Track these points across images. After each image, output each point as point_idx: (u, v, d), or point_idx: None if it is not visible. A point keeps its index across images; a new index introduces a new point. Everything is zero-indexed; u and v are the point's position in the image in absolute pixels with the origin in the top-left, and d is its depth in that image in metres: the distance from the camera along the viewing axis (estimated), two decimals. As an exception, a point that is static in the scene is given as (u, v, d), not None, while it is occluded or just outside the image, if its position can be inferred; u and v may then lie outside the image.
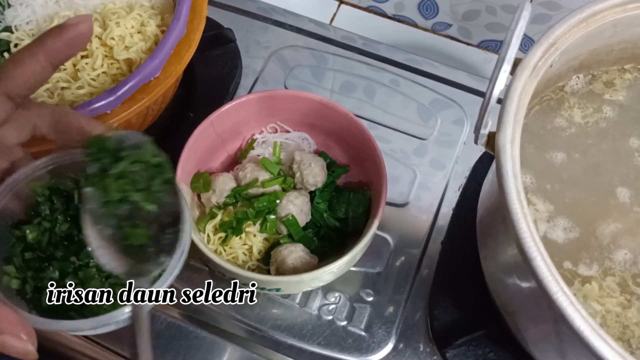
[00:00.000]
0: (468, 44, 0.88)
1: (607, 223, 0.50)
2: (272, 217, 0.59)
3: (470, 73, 0.80)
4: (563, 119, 0.54)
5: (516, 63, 0.45)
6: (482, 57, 0.87)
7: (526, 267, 0.40)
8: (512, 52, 0.40)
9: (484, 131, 0.44)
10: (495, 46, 0.87)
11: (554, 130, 0.54)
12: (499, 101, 0.44)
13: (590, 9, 0.48)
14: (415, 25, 0.89)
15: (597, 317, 0.47)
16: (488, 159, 0.70)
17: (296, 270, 0.56)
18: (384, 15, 0.90)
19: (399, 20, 0.90)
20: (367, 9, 0.90)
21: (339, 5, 0.91)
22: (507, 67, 0.40)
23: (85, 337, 0.62)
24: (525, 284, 0.48)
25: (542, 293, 0.39)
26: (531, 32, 0.81)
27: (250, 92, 0.76)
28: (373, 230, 0.56)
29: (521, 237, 0.40)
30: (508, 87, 0.44)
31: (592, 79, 0.56)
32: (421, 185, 0.70)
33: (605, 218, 0.50)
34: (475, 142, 0.45)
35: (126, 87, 0.52)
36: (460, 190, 0.69)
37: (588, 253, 0.49)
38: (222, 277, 0.60)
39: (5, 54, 0.59)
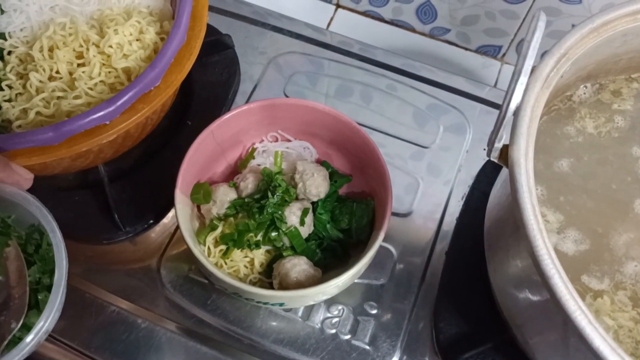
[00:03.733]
0: (466, 49, 0.87)
1: (619, 234, 0.49)
2: (275, 234, 0.58)
3: (468, 78, 0.79)
4: (574, 128, 0.53)
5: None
6: (480, 62, 0.86)
7: (542, 284, 0.39)
8: (529, 63, 0.39)
9: (498, 145, 0.43)
10: (494, 51, 0.86)
11: (564, 139, 0.53)
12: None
13: (601, 18, 0.47)
14: (413, 30, 0.88)
15: (609, 333, 0.46)
16: (491, 167, 0.69)
17: (300, 284, 0.55)
18: (381, 19, 0.89)
19: (396, 25, 0.89)
20: (365, 14, 0.89)
21: (335, 10, 0.90)
22: (523, 80, 0.39)
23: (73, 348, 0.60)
24: (537, 298, 0.47)
25: (558, 311, 0.39)
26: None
27: (249, 98, 0.75)
28: (378, 242, 0.54)
29: (538, 254, 0.39)
30: (521, 99, 0.43)
31: (599, 88, 0.56)
32: (424, 194, 0.69)
33: (615, 229, 0.50)
34: (488, 155, 0.44)
35: (125, 97, 0.51)
36: (464, 199, 0.69)
37: (598, 266, 0.49)
38: (223, 291, 0.58)
39: (-1, 62, 0.57)
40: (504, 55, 0.86)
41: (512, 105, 0.40)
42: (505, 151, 0.44)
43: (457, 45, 0.88)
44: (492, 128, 0.69)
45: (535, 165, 0.51)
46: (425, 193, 0.69)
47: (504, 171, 0.56)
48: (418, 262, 0.65)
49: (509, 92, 0.40)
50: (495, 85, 0.83)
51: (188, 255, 0.64)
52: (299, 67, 0.78)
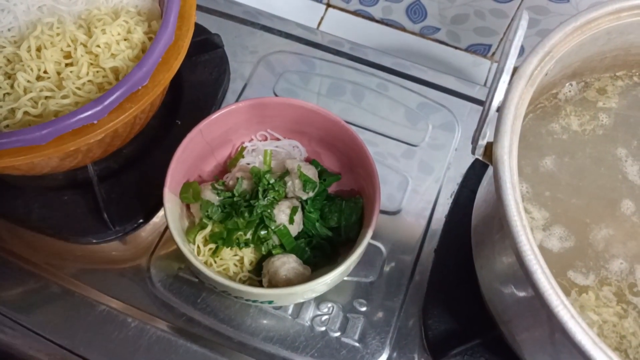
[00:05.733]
0: (456, 47, 0.88)
1: (604, 231, 0.50)
2: (264, 232, 0.58)
3: (458, 77, 0.79)
4: (559, 126, 0.53)
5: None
6: (470, 61, 0.87)
7: (526, 279, 0.40)
8: (511, 62, 0.39)
9: (482, 142, 0.43)
10: (484, 50, 0.86)
11: (549, 137, 0.53)
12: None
13: (584, 17, 0.48)
14: (403, 29, 0.89)
15: (594, 328, 0.46)
16: (480, 165, 0.69)
17: (289, 282, 0.55)
18: (371, 19, 0.89)
19: (386, 24, 0.89)
20: (355, 13, 0.90)
21: (326, 9, 0.90)
22: (506, 78, 0.40)
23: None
24: (522, 294, 0.47)
25: (541, 306, 0.39)
26: (519, 37, 0.81)
27: (238, 98, 0.75)
28: (367, 240, 0.55)
29: (521, 249, 0.39)
30: (505, 97, 0.43)
31: (584, 86, 0.56)
32: (413, 192, 0.69)
33: (600, 226, 0.50)
34: (473, 153, 0.44)
35: (113, 97, 0.51)
36: (453, 197, 0.69)
37: (584, 262, 0.49)
38: (212, 289, 0.59)
39: (-14, 62, 0.57)
40: (493, 54, 0.86)
41: (495, 103, 0.41)
42: (489, 148, 0.44)
43: (447, 44, 0.88)
44: (480, 126, 0.69)
45: (520, 163, 0.51)
46: (415, 191, 0.70)
47: (491, 169, 0.56)
48: (407, 260, 0.65)
49: (491, 90, 0.40)
50: (485, 84, 0.84)
51: (178, 254, 0.64)
52: (290, 66, 0.78)
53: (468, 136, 0.74)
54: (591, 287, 0.48)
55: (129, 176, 0.67)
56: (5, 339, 0.61)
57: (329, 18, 0.89)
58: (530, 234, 0.40)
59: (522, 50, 0.80)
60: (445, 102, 0.76)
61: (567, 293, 0.47)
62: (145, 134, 0.65)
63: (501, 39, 0.83)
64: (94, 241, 0.65)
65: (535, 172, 0.52)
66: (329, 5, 0.90)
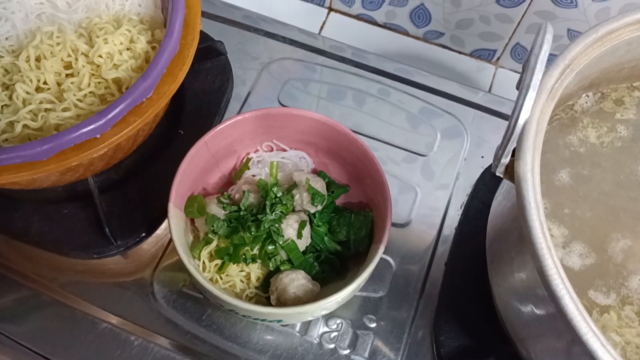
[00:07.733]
0: (460, 52, 0.86)
1: (619, 242, 0.48)
2: (271, 247, 0.56)
3: (462, 83, 0.78)
4: (576, 138, 0.52)
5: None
6: (474, 66, 0.85)
7: (553, 304, 0.38)
8: (537, 77, 0.38)
9: (505, 160, 0.41)
10: (488, 55, 0.85)
11: (566, 150, 0.52)
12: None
13: (605, 28, 0.46)
14: (406, 33, 0.87)
15: (617, 349, 0.45)
16: (490, 176, 0.68)
17: (298, 300, 0.53)
18: (374, 23, 0.88)
19: (390, 29, 0.87)
20: (357, 17, 0.88)
21: (328, 13, 0.88)
22: (532, 95, 0.38)
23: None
24: (541, 312, 0.46)
25: (567, 330, 0.38)
26: (525, 42, 0.80)
27: (242, 106, 0.73)
28: (379, 256, 0.53)
29: (547, 273, 0.38)
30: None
31: (601, 97, 0.55)
32: (422, 204, 0.68)
33: (620, 242, 0.49)
34: (494, 170, 0.43)
35: (117, 110, 0.49)
36: (463, 208, 0.67)
37: (604, 280, 0.48)
38: (219, 307, 0.57)
39: (-18, 72, 0.55)
40: (498, 59, 0.85)
41: (521, 121, 0.39)
42: (510, 166, 0.42)
43: (451, 49, 0.87)
44: (488, 133, 0.68)
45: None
46: (423, 202, 0.68)
47: (505, 183, 0.55)
48: (417, 274, 0.64)
49: (517, 108, 0.39)
50: (489, 90, 0.83)
51: (182, 268, 0.62)
52: (293, 74, 0.76)
53: (475, 143, 0.72)
54: (612, 307, 0.46)
55: (130, 188, 0.65)
56: (1, 357, 0.59)
57: (331, 22, 0.87)
58: (555, 257, 0.38)
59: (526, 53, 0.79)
60: (450, 109, 0.75)
61: (589, 313, 0.46)
62: (147, 144, 0.63)
63: (506, 44, 0.82)
64: (95, 256, 0.63)
65: (551, 187, 0.51)
66: (331, 9, 0.88)
